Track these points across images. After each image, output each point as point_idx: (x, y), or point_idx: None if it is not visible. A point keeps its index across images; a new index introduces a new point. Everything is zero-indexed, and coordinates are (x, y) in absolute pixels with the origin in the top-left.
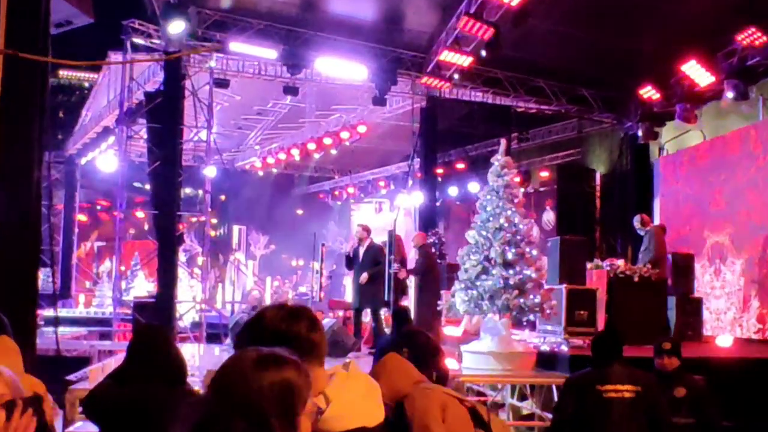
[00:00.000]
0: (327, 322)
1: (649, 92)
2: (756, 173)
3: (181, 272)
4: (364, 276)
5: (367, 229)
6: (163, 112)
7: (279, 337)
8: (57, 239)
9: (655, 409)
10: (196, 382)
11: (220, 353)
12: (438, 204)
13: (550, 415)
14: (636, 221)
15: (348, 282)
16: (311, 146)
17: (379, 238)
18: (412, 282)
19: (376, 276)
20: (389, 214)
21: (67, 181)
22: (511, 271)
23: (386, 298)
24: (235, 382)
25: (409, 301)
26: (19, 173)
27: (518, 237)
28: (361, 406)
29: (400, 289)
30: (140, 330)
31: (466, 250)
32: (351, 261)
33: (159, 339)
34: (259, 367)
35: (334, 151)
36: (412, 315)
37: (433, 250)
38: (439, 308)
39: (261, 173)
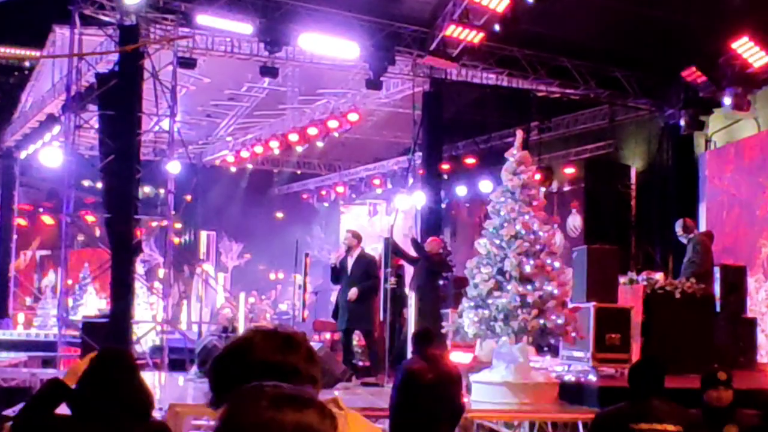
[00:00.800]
0: (313, 345)
1: (693, 74)
2: None
3: (139, 287)
4: (353, 292)
5: (357, 236)
6: (118, 97)
7: (272, 370)
8: None
9: None
10: (157, 417)
11: (185, 383)
12: (443, 206)
13: None
14: (678, 227)
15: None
16: (293, 137)
17: (374, 245)
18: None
19: (368, 292)
20: (385, 217)
21: (4, 179)
22: (529, 287)
23: (381, 318)
24: (246, 423)
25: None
26: None
27: (538, 246)
28: None
29: (399, 307)
30: (102, 352)
31: (476, 261)
32: (337, 274)
33: (124, 364)
34: (276, 406)
35: (320, 144)
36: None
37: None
38: (444, 330)
39: (234, 169)
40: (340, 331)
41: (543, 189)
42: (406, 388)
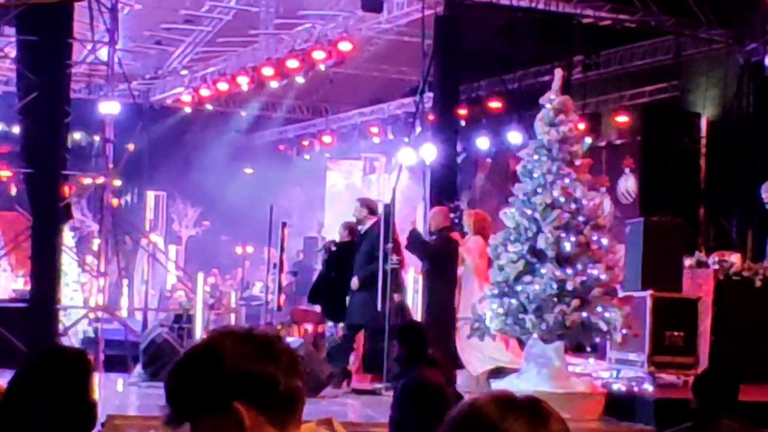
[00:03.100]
0: (291, 342)
1: None
2: None
3: (68, 262)
4: (354, 281)
5: (369, 206)
6: (42, 18)
7: (245, 382)
8: None
9: None
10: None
11: (127, 388)
12: (460, 162)
13: None
14: (764, 193)
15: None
16: (267, 72)
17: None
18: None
19: (372, 278)
20: (384, 176)
21: None
22: (569, 271)
23: (379, 308)
24: None
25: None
26: None
27: (580, 218)
28: None
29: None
30: (49, 353)
31: (502, 237)
32: (333, 260)
33: (76, 371)
34: None
35: (301, 80)
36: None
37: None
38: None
39: (189, 110)
40: (347, 328)
41: (588, 142)
42: (431, 409)
